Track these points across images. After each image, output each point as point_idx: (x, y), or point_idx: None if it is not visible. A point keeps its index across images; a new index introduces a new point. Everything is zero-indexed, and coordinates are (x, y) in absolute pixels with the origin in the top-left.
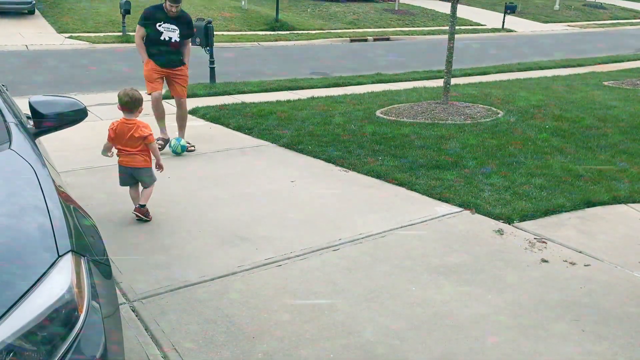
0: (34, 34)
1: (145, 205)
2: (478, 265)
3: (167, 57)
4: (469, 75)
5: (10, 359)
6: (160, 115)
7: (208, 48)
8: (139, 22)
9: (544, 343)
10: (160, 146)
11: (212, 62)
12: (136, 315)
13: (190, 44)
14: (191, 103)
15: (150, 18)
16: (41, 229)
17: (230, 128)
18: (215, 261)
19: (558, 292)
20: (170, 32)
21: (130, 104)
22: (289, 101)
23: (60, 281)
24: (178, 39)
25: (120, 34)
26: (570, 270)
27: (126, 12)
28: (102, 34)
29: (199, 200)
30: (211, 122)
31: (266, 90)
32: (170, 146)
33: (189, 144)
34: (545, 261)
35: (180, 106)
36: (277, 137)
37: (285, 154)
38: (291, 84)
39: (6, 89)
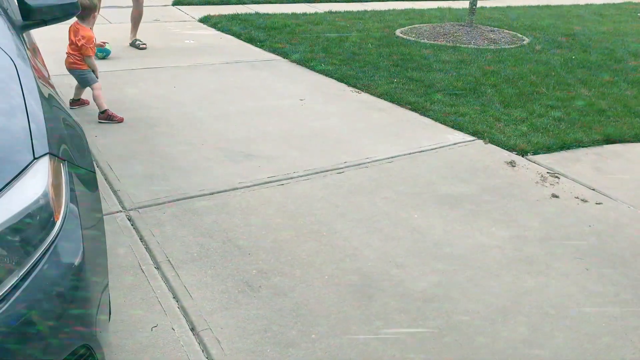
0: None
1: (104, 110)
2: (485, 197)
3: None
4: None
5: None
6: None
7: None
8: None
9: (545, 278)
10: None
11: None
12: (131, 224)
13: None
14: (203, 10)
15: None
16: (17, 128)
17: (241, 39)
18: (215, 175)
19: (565, 229)
20: None
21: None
22: (305, 14)
23: (35, 184)
24: None
25: None
26: (581, 207)
27: None
28: None
29: (204, 112)
30: (222, 32)
31: (282, 2)
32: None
33: (139, 41)
34: (556, 196)
35: (137, 4)
36: (289, 51)
37: (297, 70)
38: None
39: None
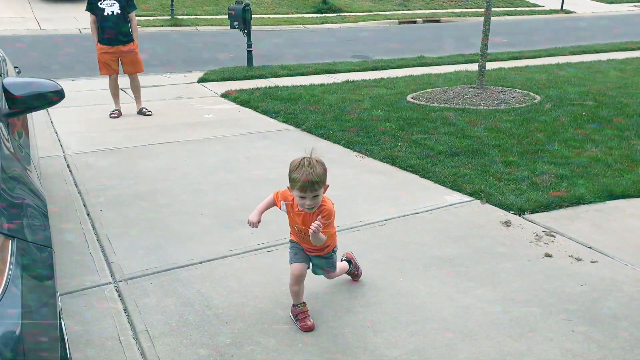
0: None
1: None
2: (475, 258)
3: (114, 34)
4: (517, 58)
5: None
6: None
7: (246, 31)
8: (86, 8)
9: (527, 342)
10: (115, 115)
11: (249, 46)
12: (119, 296)
13: (135, 20)
14: (225, 86)
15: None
16: None
17: (258, 112)
18: (208, 244)
19: (555, 289)
20: (111, 7)
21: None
22: (322, 85)
23: None
24: (119, 11)
25: (169, 17)
26: (574, 266)
27: None
28: (152, 18)
29: (208, 183)
30: (241, 105)
31: (302, 74)
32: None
33: (145, 109)
34: (549, 256)
35: (132, 79)
36: (301, 121)
37: (306, 138)
38: (328, 67)
39: (18, 71)
